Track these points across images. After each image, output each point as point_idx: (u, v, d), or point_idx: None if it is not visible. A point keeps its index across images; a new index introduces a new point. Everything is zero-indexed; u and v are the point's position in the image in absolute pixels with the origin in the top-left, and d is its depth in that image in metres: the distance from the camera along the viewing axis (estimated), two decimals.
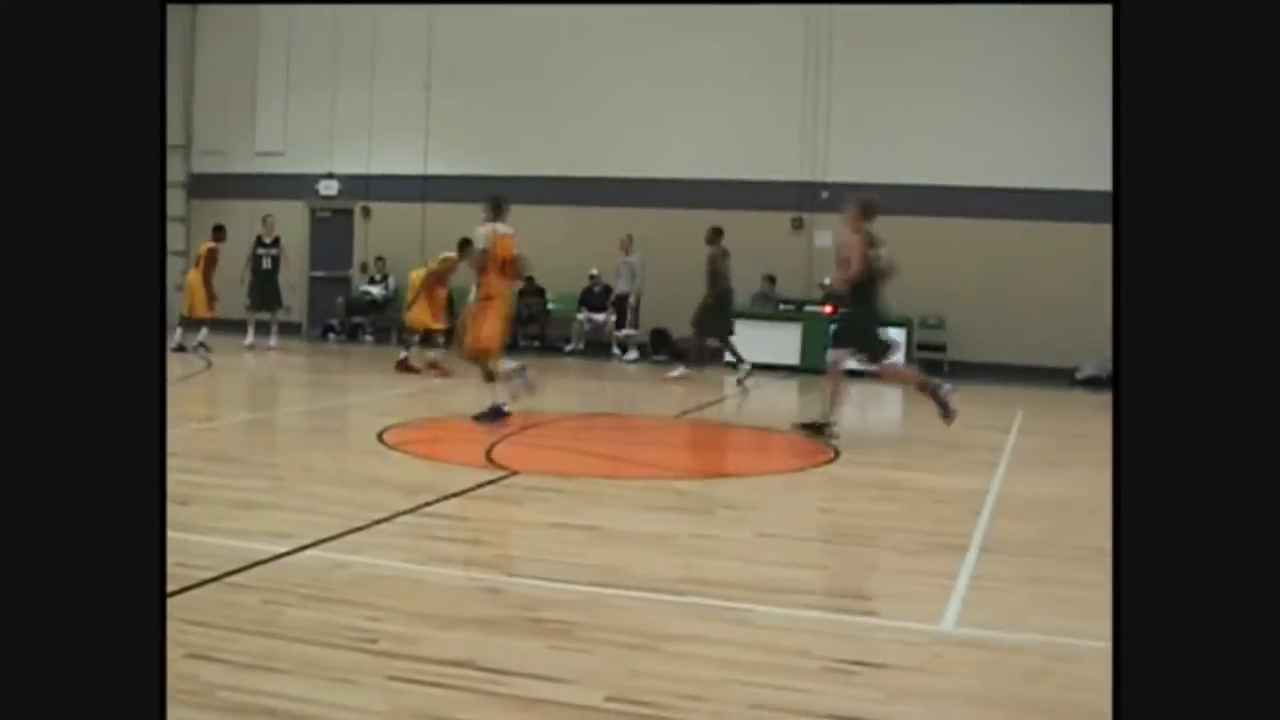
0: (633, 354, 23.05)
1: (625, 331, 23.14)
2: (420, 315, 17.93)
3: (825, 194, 22.42)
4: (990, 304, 21.21)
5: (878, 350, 12.64)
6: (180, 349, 20.42)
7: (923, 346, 21.52)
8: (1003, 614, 6.36)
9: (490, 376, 12.75)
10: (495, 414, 12.48)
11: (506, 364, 13.02)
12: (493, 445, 11.38)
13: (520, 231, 12.97)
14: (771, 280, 22.43)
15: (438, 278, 18.08)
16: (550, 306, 23.77)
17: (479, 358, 12.72)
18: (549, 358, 22.61)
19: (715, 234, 19.04)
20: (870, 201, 12.57)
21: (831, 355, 12.76)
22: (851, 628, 6.01)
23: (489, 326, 12.56)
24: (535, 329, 23.84)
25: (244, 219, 24.72)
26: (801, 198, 22.59)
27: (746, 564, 7.28)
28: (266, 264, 22.43)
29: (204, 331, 20.91)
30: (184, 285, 21.69)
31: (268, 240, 22.66)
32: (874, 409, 17.15)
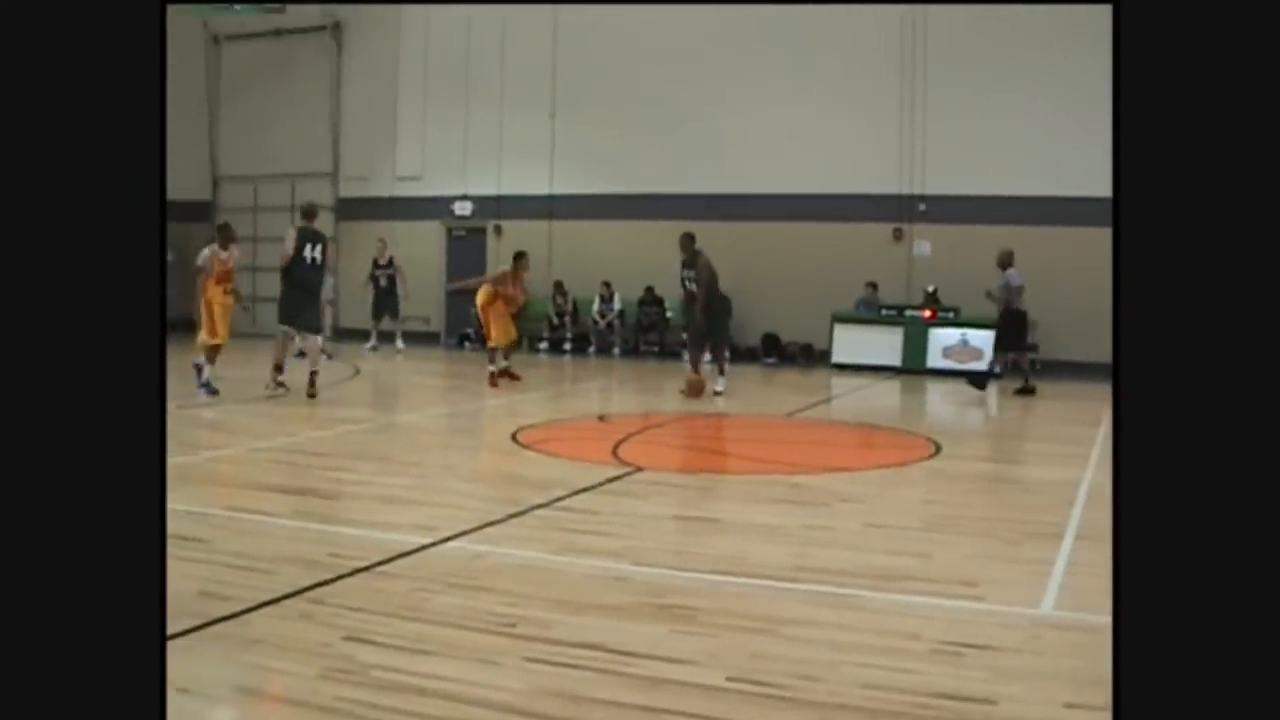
0: (708, 357, 23.00)
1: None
2: (506, 330, 17.32)
3: (923, 206, 22.26)
4: (1081, 305, 20.86)
5: None
6: (326, 356, 21.11)
7: None
8: (1099, 598, 6.24)
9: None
10: None
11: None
12: (619, 443, 11.40)
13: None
14: (874, 287, 22.29)
15: (497, 292, 17.23)
16: (668, 315, 23.77)
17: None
18: (668, 362, 22.63)
19: (692, 239, 16.82)
20: None
21: None
22: (957, 612, 5.94)
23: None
24: (655, 336, 23.87)
25: (385, 238, 25.09)
26: (900, 209, 22.41)
27: (857, 553, 7.22)
28: (383, 282, 23.66)
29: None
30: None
31: (382, 262, 23.72)
32: (970, 406, 16.95)
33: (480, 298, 17.16)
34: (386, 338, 23.80)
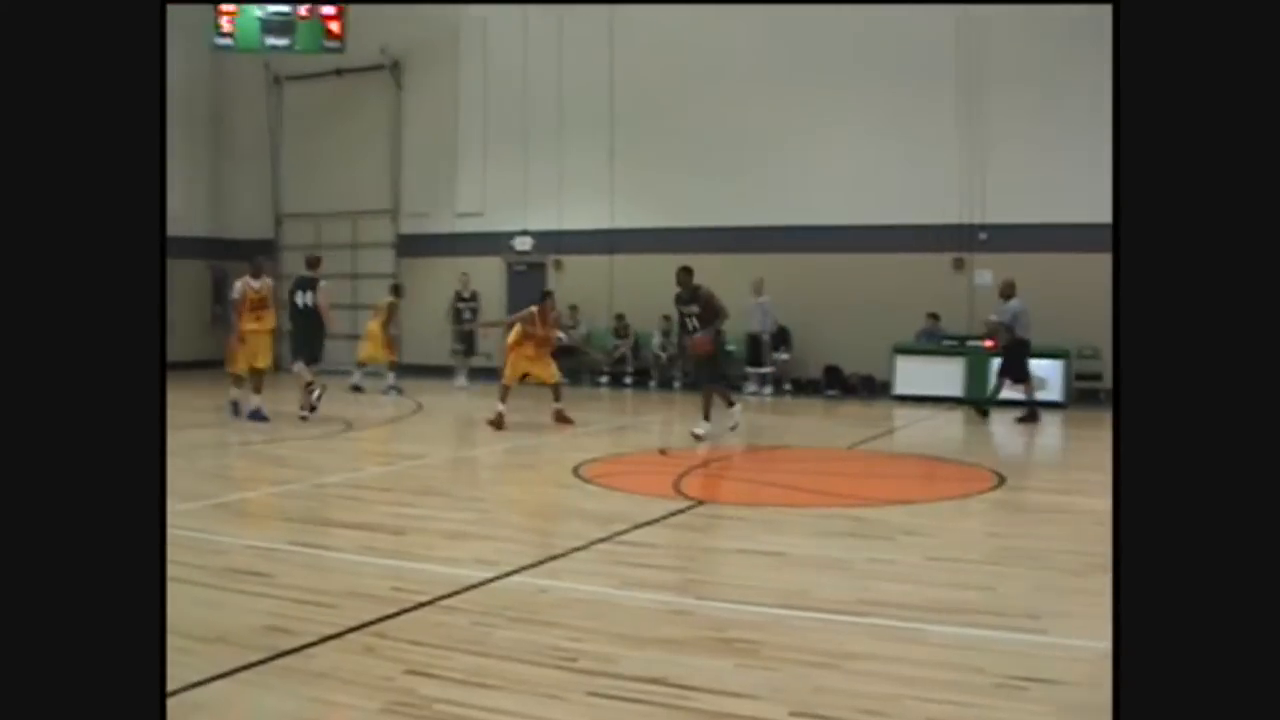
0: (768, 389, 22.98)
1: (762, 370, 23.09)
2: (549, 371, 16.86)
3: (984, 235, 22.15)
4: None
5: None
6: (357, 389, 22.06)
7: (1080, 376, 21.08)
8: None
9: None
10: None
11: None
12: (680, 477, 11.41)
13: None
14: (935, 318, 22.18)
15: (526, 333, 16.76)
16: (730, 350, 23.75)
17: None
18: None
19: (689, 273, 15.76)
20: None
21: None
22: (1021, 645, 5.89)
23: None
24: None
25: (446, 275, 25.23)
26: (961, 239, 22.31)
27: (920, 586, 7.18)
28: (467, 315, 23.71)
29: (391, 376, 22.30)
30: (367, 336, 22.92)
31: (466, 295, 23.86)
32: (1033, 437, 16.81)
33: (510, 337, 16.74)
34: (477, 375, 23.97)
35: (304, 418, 16.27)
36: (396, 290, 23.05)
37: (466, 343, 23.85)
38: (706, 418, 15.16)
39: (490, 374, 22.75)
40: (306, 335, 17.06)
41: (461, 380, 23.71)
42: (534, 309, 16.64)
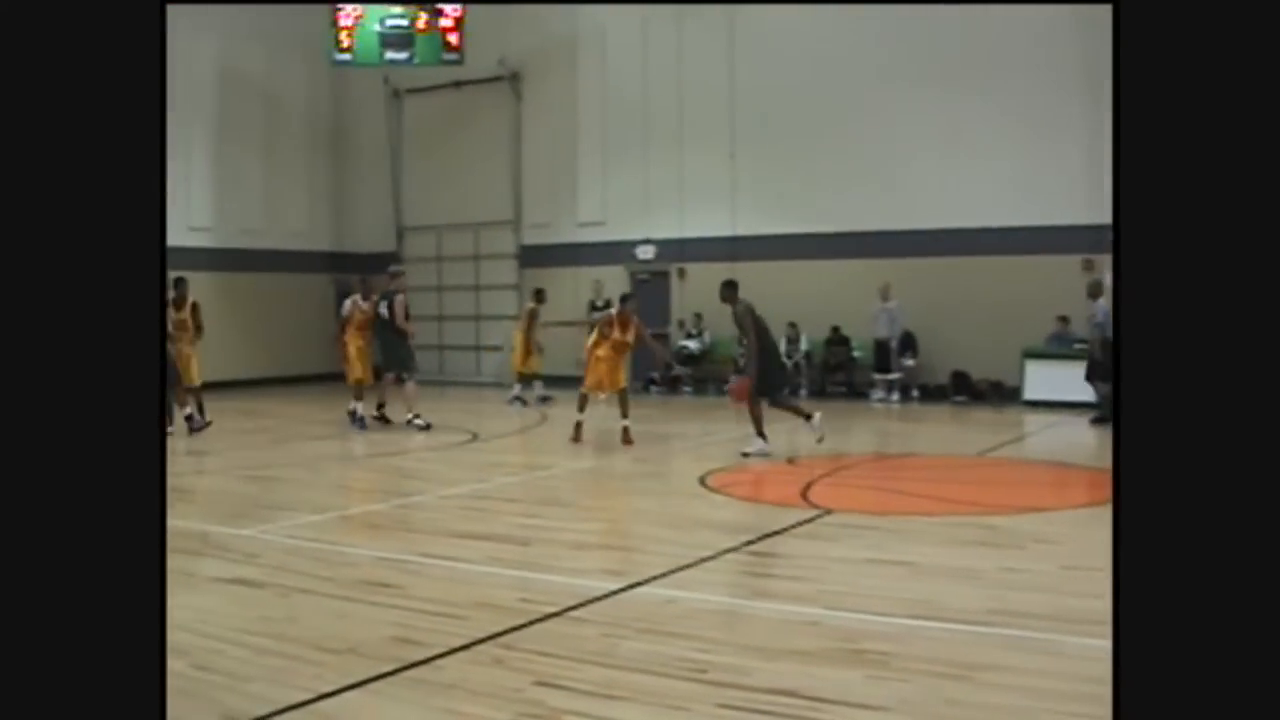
0: (895, 396, 22.78)
1: (889, 376, 22.87)
2: (614, 379, 16.36)
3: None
4: None
5: None
6: (520, 401, 21.67)
7: None
8: None
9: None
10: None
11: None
12: (808, 486, 11.38)
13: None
14: (1065, 320, 21.82)
15: (602, 337, 16.65)
16: (855, 355, 23.62)
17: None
18: (856, 402, 22.46)
19: (731, 287, 15.26)
20: None
21: None
22: None
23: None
24: (842, 376, 23.71)
25: (567, 284, 25.40)
26: (1089, 240, 21.92)
27: (1055, 596, 7.09)
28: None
29: (538, 385, 22.03)
30: (513, 345, 22.81)
31: (600, 304, 23.36)
32: None
33: (588, 342, 16.62)
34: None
35: (425, 426, 17.01)
36: (538, 295, 22.49)
37: None
38: (760, 434, 14.46)
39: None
40: (391, 346, 17.91)
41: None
42: (612, 313, 16.68)
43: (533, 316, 22.08)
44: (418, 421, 17.10)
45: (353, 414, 17.75)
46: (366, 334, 18.04)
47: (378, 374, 18.45)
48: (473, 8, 26.34)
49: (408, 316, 17.51)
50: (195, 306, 17.23)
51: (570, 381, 22.76)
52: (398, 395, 17.86)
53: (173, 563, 8.74)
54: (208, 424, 17.03)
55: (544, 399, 21.88)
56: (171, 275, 17.54)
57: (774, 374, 14.90)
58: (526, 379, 22.21)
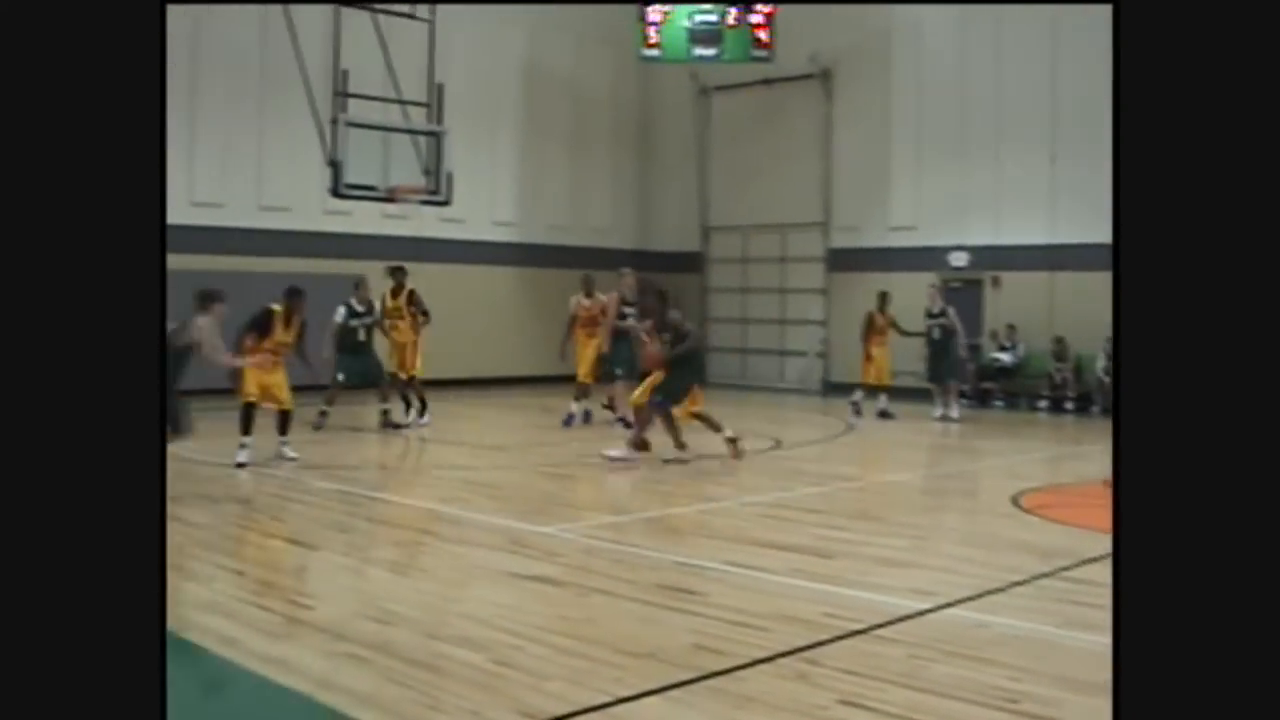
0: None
1: None
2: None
3: None
4: None
5: None
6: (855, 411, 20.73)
7: None
8: None
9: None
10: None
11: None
12: None
13: None
14: None
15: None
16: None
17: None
18: None
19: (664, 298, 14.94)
20: None
21: None
22: None
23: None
24: None
25: (877, 290, 25.23)
26: None
27: None
28: (936, 334, 21.17)
29: (858, 393, 20.94)
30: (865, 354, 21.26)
31: (935, 311, 21.33)
32: None
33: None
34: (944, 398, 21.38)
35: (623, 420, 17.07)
36: (882, 299, 21.22)
37: (935, 362, 21.11)
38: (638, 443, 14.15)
39: (907, 394, 22.34)
40: (622, 352, 17.98)
41: (953, 409, 20.78)
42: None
43: (870, 324, 20.99)
44: (621, 415, 17.35)
45: (569, 417, 18.08)
46: (590, 331, 18.29)
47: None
48: (784, 5, 26.37)
49: (622, 316, 17.58)
50: (413, 294, 17.73)
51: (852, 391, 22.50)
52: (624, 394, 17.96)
53: (474, 557, 9.14)
54: (408, 425, 17.33)
55: (883, 413, 20.58)
56: (388, 265, 18.39)
57: (681, 386, 14.29)
58: (871, 389, 20.94)
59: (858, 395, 20.92)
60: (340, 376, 16.97)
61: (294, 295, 14.09)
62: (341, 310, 17.41)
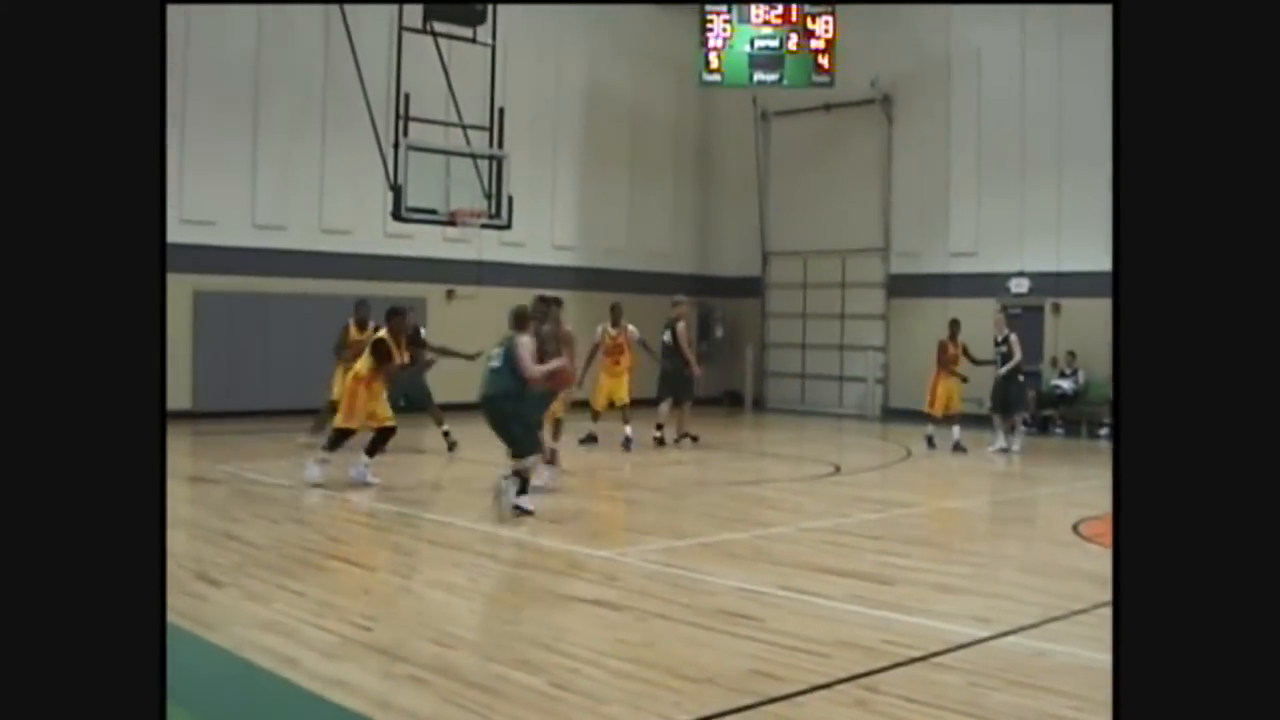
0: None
1: None
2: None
3: None
4: None
5: None
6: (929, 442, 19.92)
7: None
8: None
9: None
10: None
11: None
12: None
13: None
14: None
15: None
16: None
17: None
18: None
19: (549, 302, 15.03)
20: None
21: None
22: None
23: None
24: None
25: (937, 317, 25.11)
26: None
27: None
28: (1000, 363, 20.06)
29: (930, 427, 20.10)
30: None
31: (999, 339, 20.25)
32: None
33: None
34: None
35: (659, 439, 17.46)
36: (953, 328, 20.38)
37: (999, 392, 19.90)
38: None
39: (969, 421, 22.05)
40: (668, 374, 18.81)
41: (1015, 442, 19.82)
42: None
43: (942, 350, 20.12)
44: (686, 440, 17.82)
45: (626, 440, 18.29)
46: (615, 359, 18.52)
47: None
48: (845, 30, 26.34)
49: (691, 343, 18.20)
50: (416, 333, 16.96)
51: (913, 417, 22.26)
52: (676, 419, 18.82)
53: (534, 580, 9.17)
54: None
55: (957, 446, 19.49)
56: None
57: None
58: (939, 420, 20.08)
59: (930, 429, 20.13)
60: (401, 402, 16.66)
61: (395, 315, 14.36)
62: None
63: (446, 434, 17.20)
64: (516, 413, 11.72)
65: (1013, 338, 20.00)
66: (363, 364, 13.71)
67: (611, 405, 18.48)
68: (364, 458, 13.62)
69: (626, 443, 18.15)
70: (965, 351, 20.03)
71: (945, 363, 20.09)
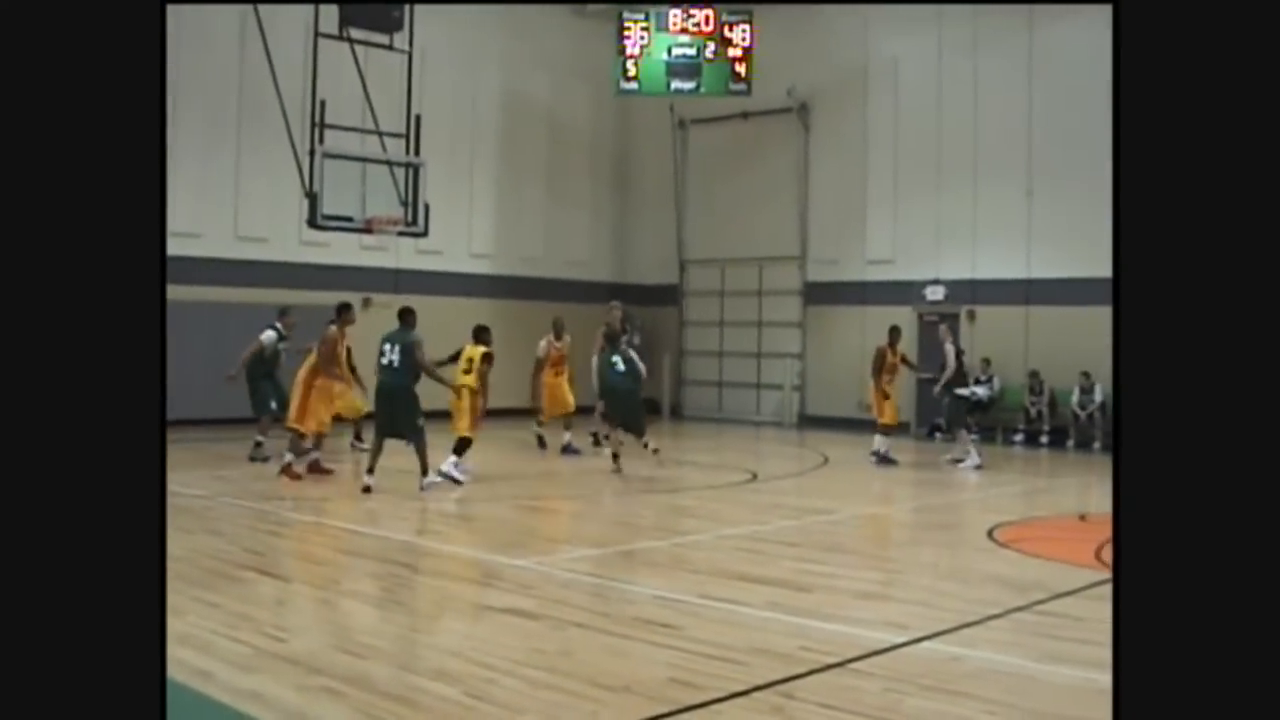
0: None
1: None
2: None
3: None
4: None
5: None
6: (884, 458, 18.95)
7: None
8: None
9: None
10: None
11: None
12: (1103, 545, 11.06)
13: None
14: None
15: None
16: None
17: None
18: None
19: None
20: None
21: None
22: None
23: None
24: None
25: (854, 324, 25.27)
26: None
27: None
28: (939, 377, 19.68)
29: (878, 439, 19.16)
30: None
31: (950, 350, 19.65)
32: None
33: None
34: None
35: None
36: (893, 335, 19.53)
37: (955, 412, 19.84)
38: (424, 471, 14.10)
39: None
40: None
41: (973, 459, 18.59)
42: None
43: (883, 360, 19.24)
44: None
45: (569, 445, 18.64)
46: (558, 370, 19.02)
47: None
48: (763, 39, 26.44)
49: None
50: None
51: (829, 424, 22.54)
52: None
53: (450, 589, 9.11)
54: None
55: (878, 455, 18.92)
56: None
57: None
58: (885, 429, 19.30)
59: (879, 444, 19.04)
60: (274, 405, 16.47)
61: (346, 309, 15.58)
62: (270, 333, 16.87)
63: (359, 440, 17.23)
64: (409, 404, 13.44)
65: (947, 348, 19.53)
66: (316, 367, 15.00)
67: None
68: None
69: (567, 448, 18.46)
70: (905, 360, 19.62)
71: (884, 370, 19.17)
